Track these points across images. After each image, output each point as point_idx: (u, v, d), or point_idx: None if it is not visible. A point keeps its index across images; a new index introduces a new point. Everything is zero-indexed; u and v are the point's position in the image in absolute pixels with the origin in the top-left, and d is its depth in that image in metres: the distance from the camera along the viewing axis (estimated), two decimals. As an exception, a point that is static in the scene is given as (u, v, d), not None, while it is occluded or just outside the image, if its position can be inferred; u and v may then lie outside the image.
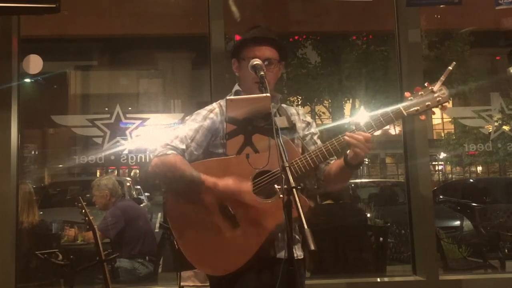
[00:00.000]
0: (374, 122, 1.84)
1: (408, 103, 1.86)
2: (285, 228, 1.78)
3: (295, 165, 1.83)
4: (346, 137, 1.81)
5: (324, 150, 1.84)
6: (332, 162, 1.99)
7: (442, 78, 1.87)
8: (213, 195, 1.81)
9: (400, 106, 1.86)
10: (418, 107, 1.86)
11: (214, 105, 2.03)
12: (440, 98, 1.87)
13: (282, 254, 1.85)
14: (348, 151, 1.85)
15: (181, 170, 1.83)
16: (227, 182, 1.79)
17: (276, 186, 1.70)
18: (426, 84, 1.90)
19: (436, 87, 1.88)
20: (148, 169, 1.96)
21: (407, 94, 1.89)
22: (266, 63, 1.91)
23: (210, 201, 1.83)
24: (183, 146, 1.91)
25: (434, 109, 1.91)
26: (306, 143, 2.03)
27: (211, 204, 1.83)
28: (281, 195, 1.47)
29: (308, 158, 1.83)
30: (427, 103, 1.87)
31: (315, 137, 2.07)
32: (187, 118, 2.00)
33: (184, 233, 1.89)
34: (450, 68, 1.87)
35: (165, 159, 1.87)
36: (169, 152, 1.89)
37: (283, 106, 2.09)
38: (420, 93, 1.88)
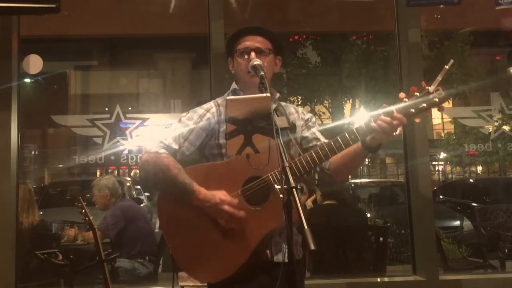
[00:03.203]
0: (366, 126, 1.77)
1: (402, 105, 1.76)
2: (282, 231, 1.80)
3: (300, 163, 1.79)
4: (379, 122, 1.73)
5: (333, 145, 1.79)
6: None
7: (439, 78, 1.75)
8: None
9: (393, 108, 1.77)
10: (413, 109, 1.75)
11: (212, 103, 1.99)
12: (437, 99, 1.75)
13: (279, 258, 1.83)
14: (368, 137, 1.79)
15: (174, 174, 1.80)
16: (217, 198, 1.76)
17: (276, 186, 1.68)
18: (423, 83, 1.79)
19: (432, 87, 1.75)
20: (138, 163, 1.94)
21: (401, 95, 1.78)
22: (256, 52, 1.89)
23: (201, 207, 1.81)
24: (176, 146, 1.88)
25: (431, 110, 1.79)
26: (304, 138, 2.01)
27: (202, 210, 1.80)
28: (281, 195, 1.45)
29: (314, 154, 1.79)
30: (422, 105, 1.75)
31: (314, 129, 2.03)
32: (183, 115, 1.97)
33: (174, 237, 1.86)
34: (447, 67, 1.75)
35: (157, 158, 1.84)
36: (161, 150, 1.86)
37: (281, 105, 2.05)
38: (415, 93, 1.76)
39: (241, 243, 1.77)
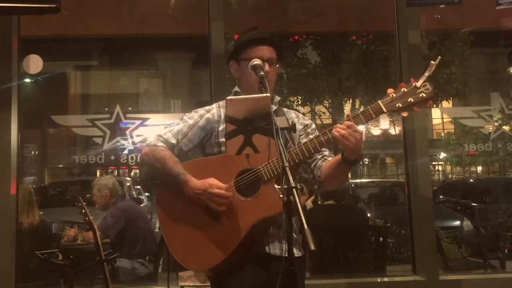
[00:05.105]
0: (354, 119, 1.81)
1: (389, 99, 1.81)
2: (280, 225, 1.85)
3: (293, 154, 1.83)
4: (333, 132, 1.79)
5: (309, 145, 1.84)
6: (329, 158, 2.00)
7: (426, 73, 1.80)
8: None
9: (380, 102, 1.81)
10: (400, 103, 1.80)
11: (214, 105, 2.07)
12: (424, 94, 1.80)
13: (276, 251, 1.87)
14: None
15: (169, 166, 1.90)
16: (206, 183, 1.83)
17: (276, 186, 1.70)
18: (411, 80, 1.83)
19: (419, 82, 1.80)
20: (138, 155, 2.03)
21: (389, 90, 1.83)
22: (268, 63, 1.95)
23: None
24: (174, 141, 1.97)
25: (419, 107, 1.83)
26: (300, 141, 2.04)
27: (195, 200, 1.87)
28: (280, 195, 1.47)
29: (305, 147, 1.84)
30: (409, 99, 1.80)
31: (312, 136, 2.03)
32: (186, 114, 2.05)
33: (169, 226, 1.95)
34: (433, 62, 1.79)
35: (155, 150, 1.95)
36: (159, 144, 1.96)
37: (282, 110, 2.10)
38: (402, 89, 1.81)
39: (231, 232, 1.83)
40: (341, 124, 1.80)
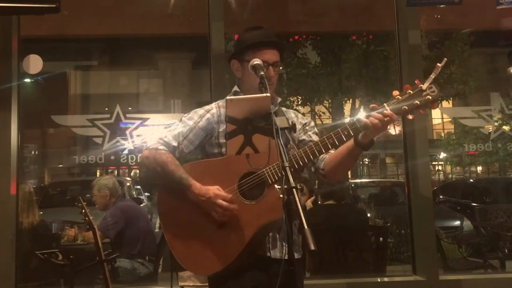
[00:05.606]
0: (359, 123, 1.80)
1: (394, 101, 1.79)
2: (281, 227, 1.84)
3: (294, 158, 1.82)
4: (371, 118, 1.76)
5: (327, 141, 1.82)
6: (332, 151, 1.97)
7: (432, 76, 1.78)
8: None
9: (385, 104, 1.79)
10: (406, 106, 1.77)
11: (213, 105, 2.04)
12: (430, 97, 1.77)
13: (277, 254, 1.86)
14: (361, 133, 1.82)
15: (171, 170, 1.87)
16: (211, 192, 1.81)
17: (276, 186, 1.70)
18: (416, 82, 1.81)
19: (425, 85, 1.78)
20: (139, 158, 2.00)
21: (395, 92, 1.81)
22: (273, 66, 1.95)
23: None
24: (175, 144, 1.94)
25: (425, 108, 1.80)
26: (301, 141, 2.03)
27: (198, 204, 1.85)
28: (281, 195, 1.47)
29: (308, 150, 1.82)
30: (415, 102, 1.77)
31: (311, 133, 2.07)
32: (184, 115, 2.03)
33: (172, 229, 1.92)
34: (439, 65, 1.77)
35: (156, 153, 1.91)
36: (161, 147, 1.93)
37: (282, 110, 2.09)
38: (408, 91, 1.79)
39: (235, 236, 1.81)
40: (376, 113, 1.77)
